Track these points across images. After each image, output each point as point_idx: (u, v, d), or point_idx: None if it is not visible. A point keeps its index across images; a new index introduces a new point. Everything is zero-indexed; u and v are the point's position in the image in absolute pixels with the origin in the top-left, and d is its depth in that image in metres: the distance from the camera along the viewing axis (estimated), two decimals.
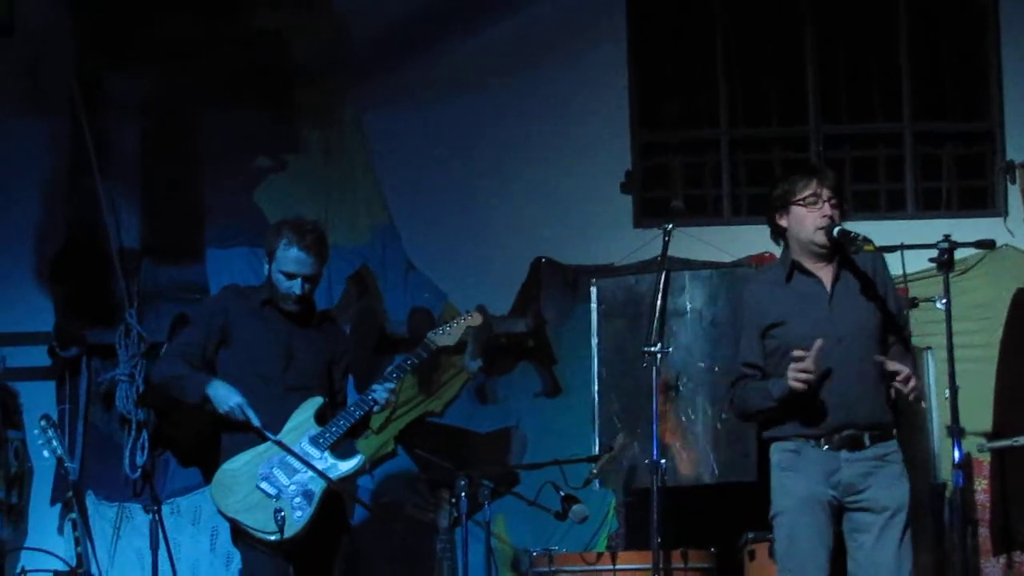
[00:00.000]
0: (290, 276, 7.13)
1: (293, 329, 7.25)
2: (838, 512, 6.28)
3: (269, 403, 7.10)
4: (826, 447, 6.25)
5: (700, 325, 7.63)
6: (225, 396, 7.07)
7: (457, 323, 7.47)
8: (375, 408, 7.25)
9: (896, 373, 6.20)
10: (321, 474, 7.01)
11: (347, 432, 7.17)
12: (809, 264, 6.38)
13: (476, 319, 7.57)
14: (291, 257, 7.12)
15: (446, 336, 7.44)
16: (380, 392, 7.17)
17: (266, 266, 7.23)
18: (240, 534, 7.06)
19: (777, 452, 6.38)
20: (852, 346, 6.28)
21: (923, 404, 6.84)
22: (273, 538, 6.85)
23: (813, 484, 6.24)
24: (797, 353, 6.14)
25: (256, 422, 7.04)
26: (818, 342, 6.12)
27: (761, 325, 6.38)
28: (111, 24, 9.51)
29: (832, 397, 6.25)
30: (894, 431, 6.40)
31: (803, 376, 6.12)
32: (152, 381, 8.30)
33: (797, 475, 6.27)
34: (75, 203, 9.50)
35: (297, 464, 7.03)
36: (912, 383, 6.21)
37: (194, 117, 9.54)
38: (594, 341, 8.07)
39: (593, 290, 8.13)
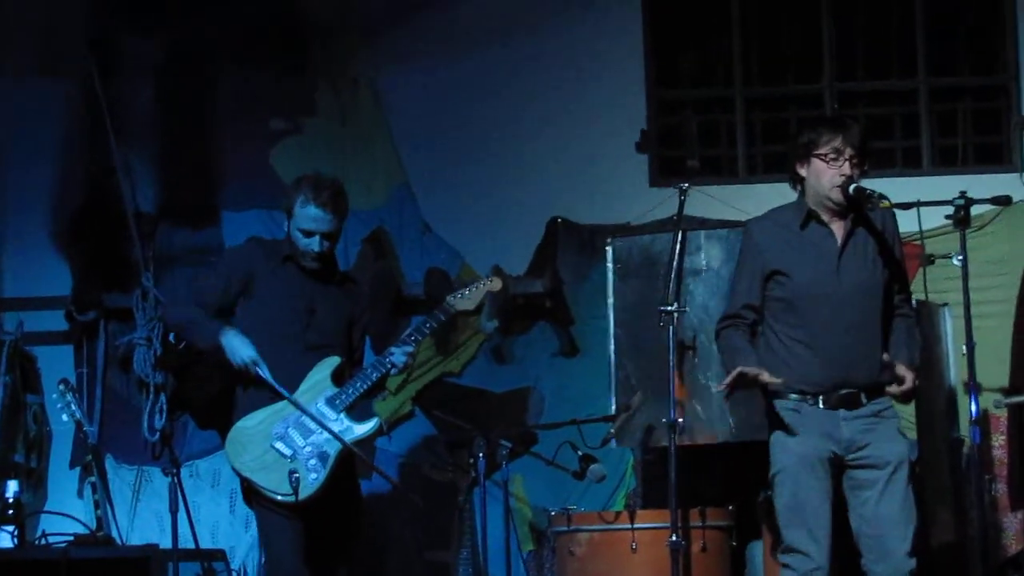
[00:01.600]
0: (308, 233, 7.04)
1: (314, 287, 7.17)
2: (838, 469, 6.27)
3: (288, 361, 7.03)
4: (824, 406, 6.25)
5: (717, 284, 7.61)
6: (239, 347, 6.99)
7: (477, 287, 7.37)
8: (392, 371, 7.22)
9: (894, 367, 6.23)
10: (336, 436, 6.99)
11: (364, 394, 7.13)
12: (824, 217, 6.36)
13: (496, 284, 7.48)
14: (309, 214, 7.03)
15: (465, 300, 7.35)
16: (398, 355, 7.13)
17: (285, 224, 7.18)
18: (254, 494, 7.01)
19: (777, 410, 6.36)
20: (854, 305, 6.24)
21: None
22: (287, 499, 6.83)
23: (814, 441, 6.22)
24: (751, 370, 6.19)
25: (269, 378, 6.99)
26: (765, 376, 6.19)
27: (766, 269, 6.35)
28: None
29: (831, 355, 6.23)
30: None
31: (738, 383, 6.21)
32: (166, 322, 8.30)
33: (798, 433, 6.27)
34: (91, 166, 9.51)
35: (312, 425, 6.97)
36: (902, 389, 6.23)
37: (209, 79, 9.53)
38: (610, 301, 8.04)
39: (609, 250, 8.11)
